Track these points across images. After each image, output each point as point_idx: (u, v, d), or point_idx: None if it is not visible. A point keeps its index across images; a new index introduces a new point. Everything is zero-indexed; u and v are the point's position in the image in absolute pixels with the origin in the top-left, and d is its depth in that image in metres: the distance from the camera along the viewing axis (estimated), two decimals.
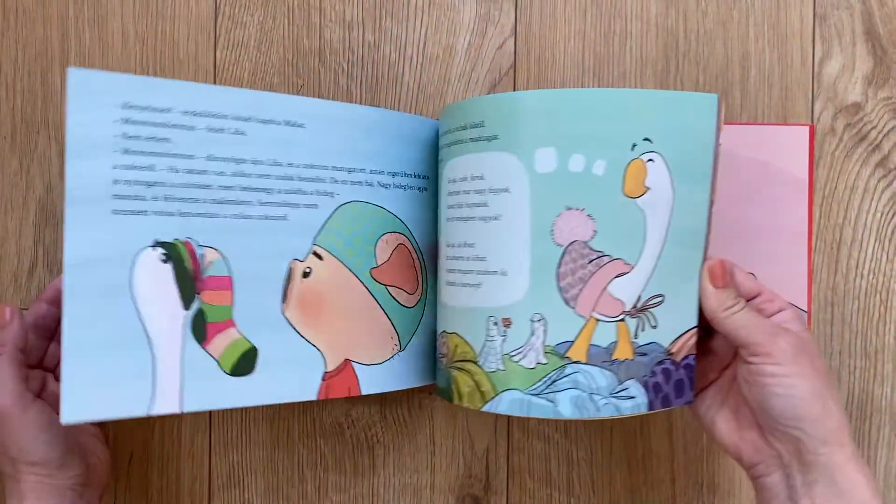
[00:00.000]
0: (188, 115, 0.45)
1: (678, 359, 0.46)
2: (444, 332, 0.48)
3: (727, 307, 0.45)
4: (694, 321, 0.46)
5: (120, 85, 0.43)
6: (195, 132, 0.45)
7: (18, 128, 0.57)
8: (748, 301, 0.46)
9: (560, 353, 0.44)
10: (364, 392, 0.50)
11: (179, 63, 0.57)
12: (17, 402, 0.45)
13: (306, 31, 0.57)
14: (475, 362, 0.46)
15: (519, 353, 0.45)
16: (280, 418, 0.58)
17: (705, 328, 0.47)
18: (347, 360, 0.50)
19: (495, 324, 0.45)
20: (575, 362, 0.44)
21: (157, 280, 0.44)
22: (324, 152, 0.48)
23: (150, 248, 0.44)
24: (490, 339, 0.45)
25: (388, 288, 0.51)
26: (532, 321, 0.44)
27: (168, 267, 0.45)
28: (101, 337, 0.43)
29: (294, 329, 0.48)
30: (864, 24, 0.56)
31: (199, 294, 0.45)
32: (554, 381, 0.44)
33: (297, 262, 0.48)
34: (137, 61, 0.57)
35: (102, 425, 0.57)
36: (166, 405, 0.44)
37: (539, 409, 0.44)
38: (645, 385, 0.45)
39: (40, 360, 0.54)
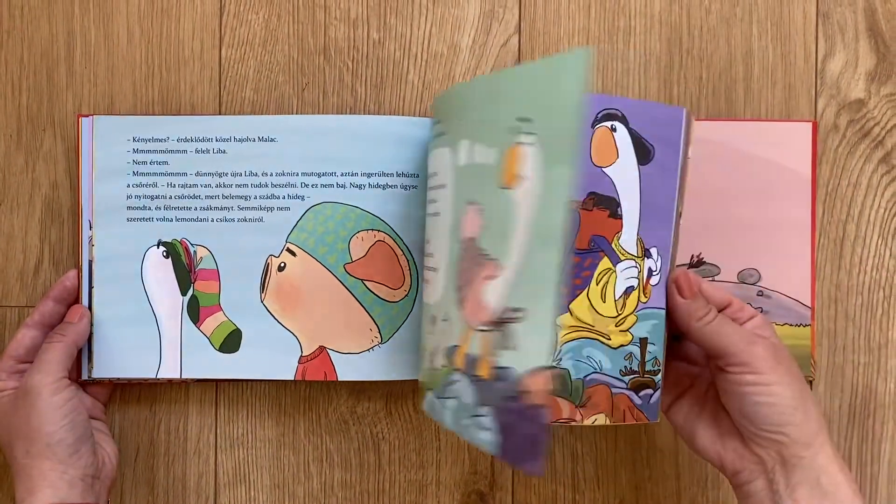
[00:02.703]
0: (181, 141, 0.55)
1: (531, 403, 0.33)
2: None
3: (699, 317, 0.44)
4: (545, 361, 0.33)
5: (130, 124, 0.55)
6: (187, 154, 0.55)
7: (24, 125, 0.57)
8: (720, 311, 0.45)
9: (450, 356, 0.39)
10: (341, 378, 0.54)
11: (184, 61, 0.58)
12: (54, 383, 0.49)
13: (311, 28, 0.58)
14: (422, 359, 0.44)
15: (436, 353, 0.41)
16: (285, 415, 0.58)
17: (674, 335, 0.47)
18: (322, 348, 0.54)
19: (432, 322, 0.41)
20: (457, 369, 0.38)
21: (160, 271, 0.55)
22: (294, 161, 0.54)
23: (155, 247, 0.55)
24: (429, 334, 0.42)
25: (366, 282, 0.53)
26: (442, 321, 0.39)
27: (169, 261, 0.55)
28: (120, 314, 0.54)
29: (272, 316, 0.55)
30: (867, 21, 0.56)
31: (193, 283, 0.55)
32: (446, 387, 0.39)
33: (273, 257, 0.54)
34: (142, 59, 0.58)
35: (108, 421, 0.57)
36: (169, 371, 0.55)
37: (438, 413, 0.39)
38: (497, 419, 0.35)
39: None
